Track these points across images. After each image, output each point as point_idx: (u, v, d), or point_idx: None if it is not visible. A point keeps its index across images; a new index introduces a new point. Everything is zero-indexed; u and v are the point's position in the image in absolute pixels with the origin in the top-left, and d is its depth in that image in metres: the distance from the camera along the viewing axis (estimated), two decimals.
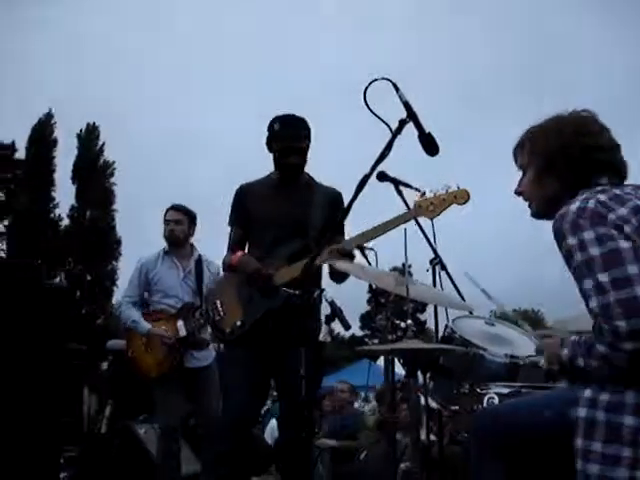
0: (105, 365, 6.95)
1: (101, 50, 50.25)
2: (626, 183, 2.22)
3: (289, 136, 3.57)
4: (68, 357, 2.23)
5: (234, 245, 3.68)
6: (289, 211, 3.56)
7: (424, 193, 3.19)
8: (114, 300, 32.88)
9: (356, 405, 8.17)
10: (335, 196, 3.66)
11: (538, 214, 2.34)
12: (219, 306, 3.58)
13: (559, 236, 2.04)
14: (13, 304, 2.28)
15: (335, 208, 3.58)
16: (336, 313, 2.88)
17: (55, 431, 2.37)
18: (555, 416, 2.08)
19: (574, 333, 2.16)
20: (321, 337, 2.91)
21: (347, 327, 2.92)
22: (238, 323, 3.41)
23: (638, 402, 1.86)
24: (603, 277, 1.89)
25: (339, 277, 3.51)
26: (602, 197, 2.03)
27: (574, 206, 2.02)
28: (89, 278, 33.30)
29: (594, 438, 1.90)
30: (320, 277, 3.56)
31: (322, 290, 2.99)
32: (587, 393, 1.96)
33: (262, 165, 3.76)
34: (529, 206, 2.37)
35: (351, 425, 7.24)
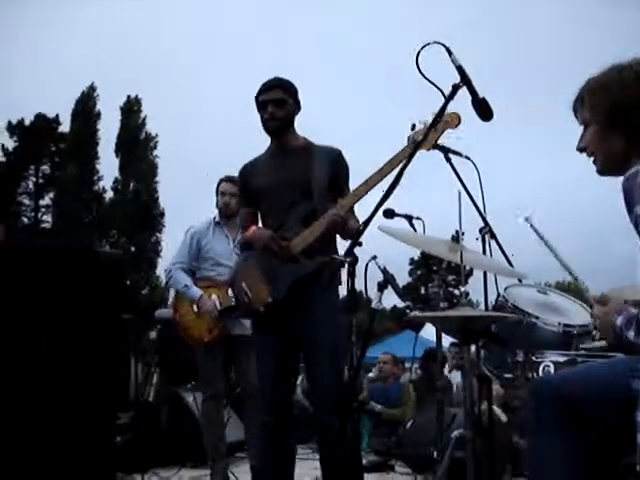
0: (153, 334, 7.06)
1: (144, 19, 50.34)
2: None
3: (261, 90, 3.53)
4: (120, 327, 2.25)
5: (245, 224, 3.65)
6: (291, 176, 3.49)
7: (414, 126, 3.07)
8: (158, 271, 33.56)
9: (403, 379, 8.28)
10: (336, 154, 3.57)
11: (604, 171, 2.22)
12: (245, 288, 3.54)
13: (629, 198, 1.94)
14: (69, 274, 2.28)
15: (337, 166, 3.52)
16: (389, 280, 2.87)
17: (109, 397, 2.38)
18: (615, 386, 2.04)
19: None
20: (374, 304, 2.89)
21: (400, 294, 2.90)
22: (270, 299, 3.37)
23: None
24: None
25: (346, 233, 3.42)
26: None
27: None
28: (133, 249, 33.79)
29: None
30: (335, 241, 3.51)
31: (374, 257, 2.97)
32: None
33: None
34: (594, 162, 2.24)
35: (395, 395, 7.31)
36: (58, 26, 45.81)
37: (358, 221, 3.42)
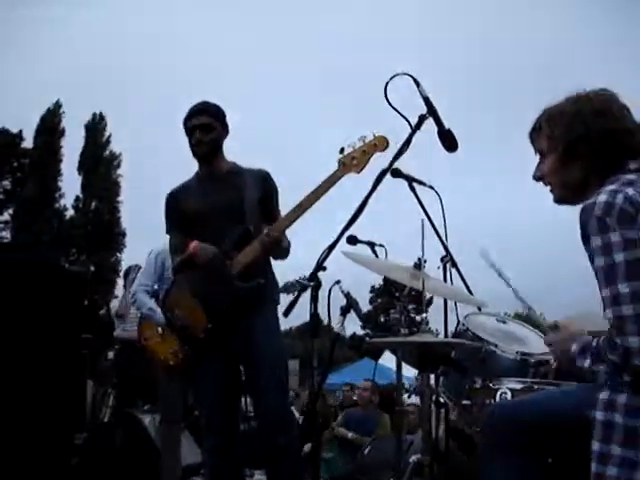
0: (111, 354, 6.97)
1: (110, 38, 50.16)
2: None
3: (188, 115, 3.55)
4: (80, 346, 2.22)
5: (179, 247, 3.55)
6: (221, 200, 3.48)
7: (343, 149, 3.11)
8: (117, 291, 33.13)
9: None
10: (263, 175, 3.58)
11: (561, 200, 2.23)
12: (181, 315, 3.51)
13: (585, 231, 1.97)
14: (33, 288, 2.27)
15: (266, 187, 3.54)
16: (352, 305, 2.90)
17: (65, 417, 2.35)
18: (569, 415, 2.08)
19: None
20: (336, 328, 2.91)
21: (362, 319, 2.93)
22: (209, 326, 3.35)
23: None
24: (623, 288, 1.84)
25: (279, 254, 3.51)
26: (630, 192, 1.93)
27: (602, 198, 1.93)
28: (92, 269, 33.36)
29: (612, 441, 1.88)
30: (269, 264, 3.54)
31: (338, 281, 2.99)
32: (604, 395, 1.93)
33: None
34: (551, 191, 2.25)
35: (371, 422, 7.32)
36: (25, 42, 45.51)
37: (289, 241, 3.49)
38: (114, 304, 7.46)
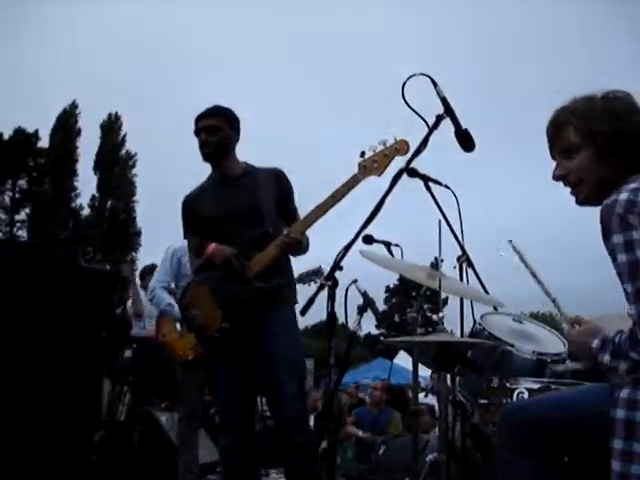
0: (128, 353, 7.03)
1: (128, 39, 50.42)
2: None
3: (196, 119, 3.59)
4: (98, 345, 2.23)
5: (198, 250, 3.57)
6: (236, 203, 3.49)
7: (363, 153, 3.12)
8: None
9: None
10: (277, 174, 3.59)
11: (588, 199, 2.18)
12: (198, 314, 3.53)
13: (606, 228, 1.96)
14: (51, 287, 2.28)
15: (281, 186, 3.55)
16: (369, 304, 2.91)
17: (83, 416, 2.37)
18: (587, 414, 2.08)
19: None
20: (352, 327, 2.93)
21: (379, 318, 2.95)
22: (225, 325, 3.36)
23: None
24: None
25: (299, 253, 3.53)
26: None
27: (623, 196, 1.93)
28: (108, 268, 33.54)
29: (634, 439, 1.88)
30: (288, 263, 3.55)
31: (355, 280, 3.01)
32: (624, 394, 1.93)
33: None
34: (574, 192, 2.21)
35: (382, 422, 7.33)
36: (42, 41, 45.88)
37: (308, 239, 3.47)
38: (129, 302, 7.52)
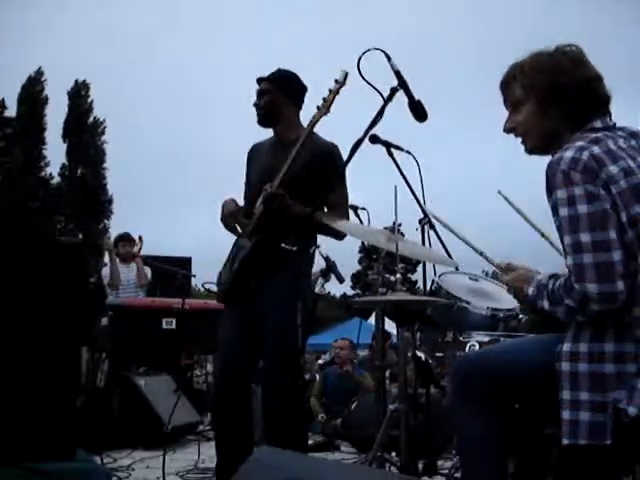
0: (105, 321, 7.14)
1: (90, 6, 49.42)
2: (618, 126, 2.20)
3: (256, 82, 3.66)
4: (75, 317, 2.31)
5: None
6: (269, 166, 3.52)
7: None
8: (106, 258, 33.14)
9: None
10: (324, 150, 3.54)
11: (535, 148, 2.31)
12: (223, 271, 3.64)
13: (550, 183, 2.06)
14: (27, 262, 2.34)
15: (322, 161, 3.49)
16: (331, 267, 3.06)
17: (64, 383, 2.44)
18: (531, 363, 2.20)
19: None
20: (317, 290, 3.08)
21: (341, 280, 3.10)
22: (228, 285, 3.50)
23: (616, 350, 1.97)
24: (585, 237, 1.95)
25: (336, 235, 3.48)
26: (596, 150, 2.03)
27: (569, 154, 2.03)
28: (80, 236, 33.34)
29: (580, 388, 1.99)
30: (306, 234, 3.43)
31: (318, 245, 3.15)
32: (566, 347, 2.04)
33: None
34: (523, 142, 2.32)
35: (351, 387, 7.24)
36: (4, 10, 44.74)
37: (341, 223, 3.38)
38: (105, 272, 7.63)
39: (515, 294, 2.34)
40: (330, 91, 3.26)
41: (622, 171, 2.01)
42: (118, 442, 5.45)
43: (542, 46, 2.28)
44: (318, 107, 3.32)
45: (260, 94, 3.61)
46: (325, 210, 3.47)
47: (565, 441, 2.01)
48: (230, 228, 3.60)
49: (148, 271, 7.75)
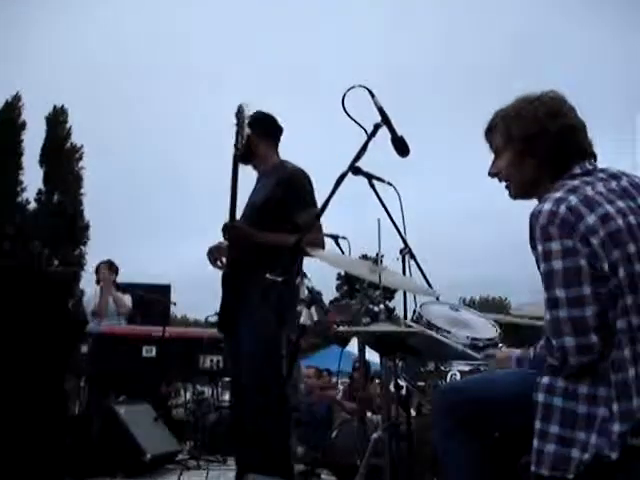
0: (85, 348, 7.12)
1: (73, 28, 49.49)
2: (598, 168, 2.26)
3: None
4: (62, 344, 2.33)
5: None
6: (249, 201, 3.91)
7: None
8: (82, 285, 33.01)
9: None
10: (287, 174, 3.84)
11: (517, 196, 2.40)
12: None
13: (532, 235, 2.14)
14: (14, 292, 2.38)
15: (283, 187, 3.76)
16: (315, 299, 3.12)
17: (48, 412, 2.48)
18: (509, 393, 2.29)
19: (528, 318, 2.41)
20: (302, 320, 3.13)
21: (325, 312, 3.15)
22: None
23: (589, 393, 2.04)
24: (560, 293, 2.04)
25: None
26: (573, 201, 2.08)
27: (547, 207, 2.10)
28: (56, 263, 33.06)
29: (551, 421, 2.07)
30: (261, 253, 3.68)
31: (304, 274, 3.21)
32: (545, 380, 2.13)
33: None
34: (506, 187, 2.41)
35: (325, 413, 7.39)
36: None
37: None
38: (88, 300, 7.61)
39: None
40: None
41: (600, 219, 2.06)
42: (98, 470, 5.41)
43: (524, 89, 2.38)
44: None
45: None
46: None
47: (533, 468, 2.10)
48: (215, 265, 3.88)
49: (128, 299, 7.76)
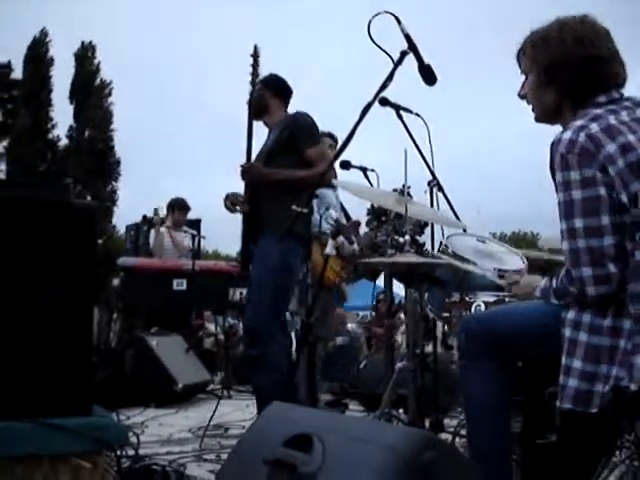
0: (116, 281, 7.23)
1: None
2: (625, 97, 2.20)
3: None
4: (91, 277, 2.33)
5: None
6: (260, 151, 4.11)
7: None
8: (114, 220, 33.35)
9: None
10: (290, 119, 4.07)
11: (539, 119, 2.38)
12: None
13: (552, 164, 2.11)
14: (42, 224, 2.37)
15: (288, 130, 3.96)
16: (340, 230, 3.12)
17: (77, 344, 2.47)
18: (532, 325, 2.28)
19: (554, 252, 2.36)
20: (327, 250, 3.13)
21: (351, 242, 3.16)
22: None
23: (613, 325, 2.02)
24: (579, 222, 2.02)
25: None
26: (594, 129, 2.04)
27: (567, 135, 2.06)
28: (89, 199, 33.34)
29: (575, 356, 2.06)
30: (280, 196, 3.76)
31: (327, 208, 3.22)
32: (570, 315, 2.11)
33: None
34: (532, 110, 2.38)
35: (348, 352, 7.39)
36: None
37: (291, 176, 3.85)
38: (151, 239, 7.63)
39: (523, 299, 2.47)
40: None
41: (620, 148, 2.01)
42: (131, 400, 5.53)
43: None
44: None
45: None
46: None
47: (557, 403, 2.10)
48: (231, 210, 4.08)
49: (188, 239, 7.73)
